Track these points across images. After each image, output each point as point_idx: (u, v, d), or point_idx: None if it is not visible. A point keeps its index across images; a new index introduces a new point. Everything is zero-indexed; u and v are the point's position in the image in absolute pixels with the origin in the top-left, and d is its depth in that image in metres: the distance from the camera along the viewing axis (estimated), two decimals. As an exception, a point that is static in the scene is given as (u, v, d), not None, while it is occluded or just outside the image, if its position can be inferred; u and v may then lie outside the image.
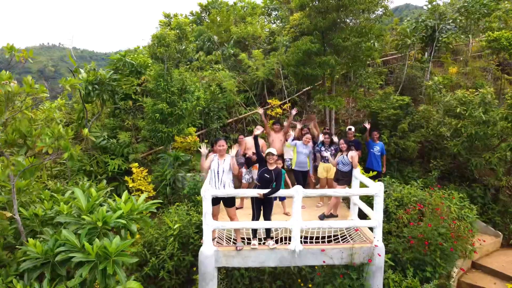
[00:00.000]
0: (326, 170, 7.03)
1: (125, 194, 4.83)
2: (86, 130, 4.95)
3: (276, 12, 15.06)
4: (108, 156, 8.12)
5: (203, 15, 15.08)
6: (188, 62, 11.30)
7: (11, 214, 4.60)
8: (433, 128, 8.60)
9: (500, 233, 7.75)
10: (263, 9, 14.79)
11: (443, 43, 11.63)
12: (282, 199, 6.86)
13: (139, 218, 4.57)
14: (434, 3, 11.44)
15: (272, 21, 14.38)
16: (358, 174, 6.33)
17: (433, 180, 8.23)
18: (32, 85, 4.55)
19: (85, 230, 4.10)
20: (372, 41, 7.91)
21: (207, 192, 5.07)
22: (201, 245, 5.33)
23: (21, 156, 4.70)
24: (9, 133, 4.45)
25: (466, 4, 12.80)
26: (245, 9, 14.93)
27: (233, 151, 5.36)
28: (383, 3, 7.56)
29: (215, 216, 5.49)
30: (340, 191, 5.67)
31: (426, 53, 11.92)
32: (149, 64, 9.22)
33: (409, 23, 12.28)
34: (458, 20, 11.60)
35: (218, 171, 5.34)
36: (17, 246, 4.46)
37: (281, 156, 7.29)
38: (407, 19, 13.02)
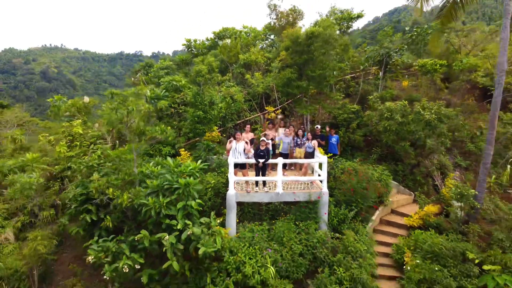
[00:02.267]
0: (299, 152, 11.41)
1: (190, 160, 9.27)
2: (169, 128, 9.37)
3: (273, 37, 19.46)
4: (161, 145, 12.54)
5: (216, 40, 19.46)
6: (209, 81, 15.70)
7: (135, 171, 9.04)
8: (374, 126, 13.00)
9: (412, 193, 12.16)
10: (263, 35, 19.19)
11: (392, 65, 16.06)
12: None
13: (198, 171, 8.99)
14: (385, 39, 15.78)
15: (270, 46, 18.73)
16: (318, 153, 10.73)
17: (373, 160, 12.65)
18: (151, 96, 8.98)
19: (175, 175, 8.54)
20: (334, 72, 12.25)
21: (231, 160, 9.48)
22: (226, 192, 9.71)
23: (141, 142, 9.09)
24: (134, 128, 8.84)
25: (415, 33, 17.26)
26: (248, 35, 19.34)
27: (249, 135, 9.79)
28: (337, 49, 11.93)
29: (235, 174, 9.89)
30: (305, 160, 10.11)
31: (380, 72, 16.31)
32: (186, 85, 13.62)
33: (368, 50, 16.72)
34: (403, 49, 15.95)
35: (237, 149, 9.74)
36: (141, 185, 8.89)
37: (273, 145, 11.71)
38: (367, 47, 17.41)
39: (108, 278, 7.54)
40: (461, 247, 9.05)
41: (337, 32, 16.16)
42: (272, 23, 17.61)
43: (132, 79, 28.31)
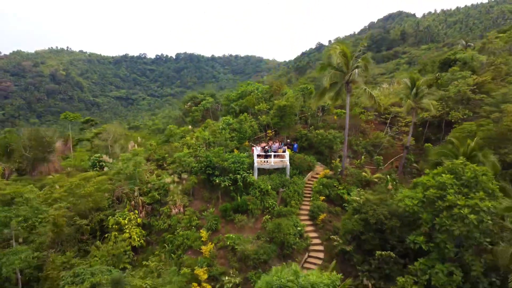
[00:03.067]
0: (280, 151, 29.60)
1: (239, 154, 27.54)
2: (236, 142, 27.49)
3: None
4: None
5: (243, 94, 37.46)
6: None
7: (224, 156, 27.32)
8: (312, 140, 31.13)
9: (326, 167, 30.32)
10: (265, 91, 37.23)
11: (326, 109, 34.22)
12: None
13: (244, 156, 27.19)
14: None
15: (269, 98, 36.77)
16: (286, 151, 28.92)
17: (311, 154, 30.80)
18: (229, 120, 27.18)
19: (239, 157, 26.74)
20: (294, 121, 30.23)
21: (255, 154, 27.69)
22: (253, 164, 27.79)
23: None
24: (225, 143, 26.90)
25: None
26: (258, 89, 37.37)
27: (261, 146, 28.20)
28: (296, 110, 29.93)
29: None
30: (281, 153, 28.47)
31: (320, 113, 34.43)
32: (233, 121, 31.73)
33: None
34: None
35: (257, 149, 27.94)
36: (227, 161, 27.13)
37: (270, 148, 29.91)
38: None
39: (219, 189, 25.68)
40: (333, 183, 27.16)
41: (301, 93, 34.32)
42: (269, 87, 35.86)
43: (186, 106, 46.78)
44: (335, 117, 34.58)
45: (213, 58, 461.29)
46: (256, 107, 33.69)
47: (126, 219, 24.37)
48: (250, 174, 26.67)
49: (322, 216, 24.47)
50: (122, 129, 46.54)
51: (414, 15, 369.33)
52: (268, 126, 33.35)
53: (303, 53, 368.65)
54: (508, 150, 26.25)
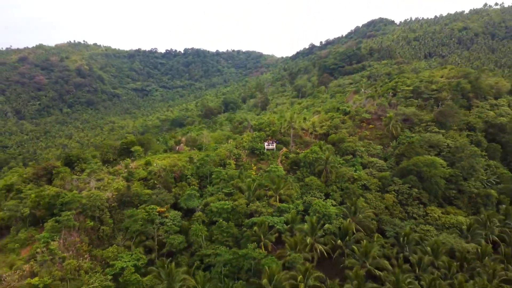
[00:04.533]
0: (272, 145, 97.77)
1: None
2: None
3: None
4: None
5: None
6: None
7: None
8: (283, 139, 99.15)
9: (287, 149, 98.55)
10: (269, 121, 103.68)
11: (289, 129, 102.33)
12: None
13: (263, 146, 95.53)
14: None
15: (269, 125, 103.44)
16: (274, 144, 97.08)
17: (282, 145, 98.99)
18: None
19: (261, 145, 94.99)
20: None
21: (265, 144, 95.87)
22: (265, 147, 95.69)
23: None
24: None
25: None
26: (266, 120, 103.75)
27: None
28: (278, 130, 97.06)
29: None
30: (273, 144, 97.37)
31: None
32: (258, 134, 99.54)
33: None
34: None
35: (265, 144, 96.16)
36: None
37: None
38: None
39: (256, 154, 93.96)
40: (288, 152, 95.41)
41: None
42: (270, 121, 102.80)
43: (235, 124, 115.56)
44: (292, 132, 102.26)
45: (217, 53, 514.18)
46: (266, 128, 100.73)
47: (233, 163, 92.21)
48: (265, 150, 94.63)
49: (284, 161, 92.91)
50: (208, 132, 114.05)
51: (393, 21, 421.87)
52: (269, 135, 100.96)
53: (297, 53, 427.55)
54: (341, 145, 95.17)
